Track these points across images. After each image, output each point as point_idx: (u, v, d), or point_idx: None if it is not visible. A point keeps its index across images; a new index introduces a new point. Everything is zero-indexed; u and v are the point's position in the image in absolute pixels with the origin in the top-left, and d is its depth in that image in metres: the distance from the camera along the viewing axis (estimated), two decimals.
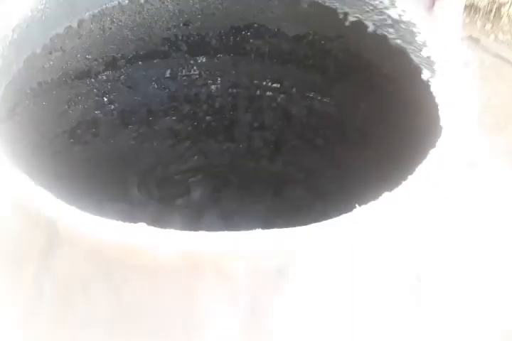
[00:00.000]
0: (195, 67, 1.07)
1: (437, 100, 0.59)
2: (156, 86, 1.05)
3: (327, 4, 0.75)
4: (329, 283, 0.41)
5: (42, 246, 0.39)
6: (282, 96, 1.06)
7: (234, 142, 1.12)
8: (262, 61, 1.01)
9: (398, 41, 0.68)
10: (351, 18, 0.74)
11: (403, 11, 0.66)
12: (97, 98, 0.97)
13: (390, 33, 0.69)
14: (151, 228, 0.37)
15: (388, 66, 0.75)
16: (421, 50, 0.64)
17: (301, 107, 1.03)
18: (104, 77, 0.97)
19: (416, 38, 0.64)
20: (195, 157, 1.15)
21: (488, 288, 0.50)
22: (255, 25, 0.94)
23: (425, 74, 0.63)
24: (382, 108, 0.78)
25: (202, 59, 1.05)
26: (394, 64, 0.72)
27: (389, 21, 0.68)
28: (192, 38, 0.97)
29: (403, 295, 0.46)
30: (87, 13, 0.66)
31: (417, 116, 0.63)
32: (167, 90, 1.06)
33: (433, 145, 0.48)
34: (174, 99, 1.07)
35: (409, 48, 0.66)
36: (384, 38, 0.71)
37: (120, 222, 0.37)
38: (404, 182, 0.43)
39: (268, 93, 1.08)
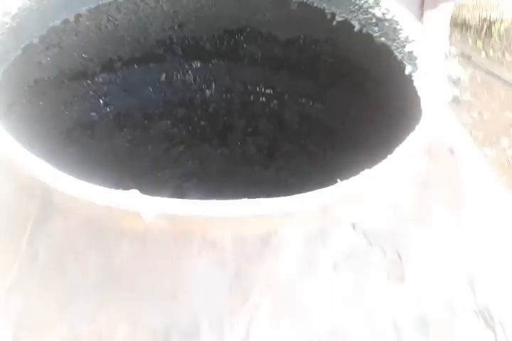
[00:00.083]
0: (190, 72, 1.10)
1: (419, 93, 0.61)
2: (151, 90, 1.07)
3: (315, 5, 0.78)
4: (309, 253, 0.43)
5: (36, 213, 0.40)
6: (275, 101, 1.09)
7: (228, 147, 1.14)
8: (255, 66, 1.04)
9: (382, 39, 0.71)
10: (338, 18, 0.76)
11: (386, 9, 0.68)
12: (93, 100, 0.99)
13: (375, 32, 0.72)
14: (142, 195, 0.39)
15: (374, 64, 0.77)
16: (404, 47, 0.66)
17: (293, 112, 1.05)
18: (101, 79, 0.99)
19: (399, 35, 0.67)
20: (190, 161, 1.16)
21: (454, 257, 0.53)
22: (248, 28, 0.97)
23: (407, 69, 0.65)
24: (369, 104, 0.80)
25: (197, 64, 1.08)
26: (379, 62, 0.74)
27: (374, 20, 0.71)
28: (186, 42, 1.00)
29: (383, 272, 0.48)
30: (84, 8, 0.68)
31: (400, 107, 0.65)
32: (162, 94, 1.08)
33: (412, 130, 0.51)
34: (169, 103, 1.09)
35: (392, 45, 0.69)
36: (369, 37, 0.73)
37: (112, 189, 0.39)
38: (383, 161, 0.46)
39: (262, 99, 1.11)
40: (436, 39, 1.53)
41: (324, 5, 0.77)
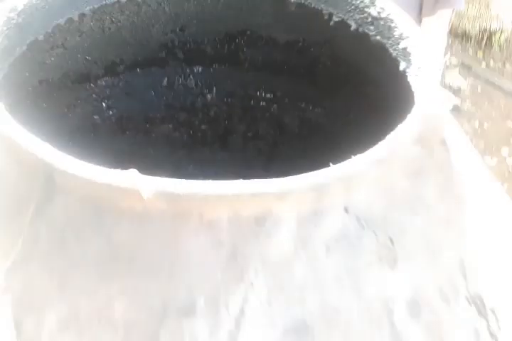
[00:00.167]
0: (191, 77, 1.12)
1: (413, 88, 0.63)
2: (153, 94, 1.09)
3: (313, 6, 0.80)
4: (302, 234, 0.44)
5: (39, 194, 0.42)
6: (275, 106, 1.11)
7: (228, 151, 1.16)
8: (255, 71, 1.06)
9: (378, 37, 0.73)
10: (335, 18, 0.78)
11: (382, 8, 0.70)
12: (95, 103, 1.01)
13: (371, 30, 0.74)
14: (141, 174, 0.40)
15: (371, 64, 0.79)
16: (398, 44, 0.68)
17: (293, 116, 1.07)
18: (104, 83, 1.01)
19: (393, 33, 0.69)
20: (191, 165, 1.18)
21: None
22: (248, 32, 0.99)
23: (402, 66, 0.67)
24: (368, 104, 0.81)
25: (198, 69, 1.10)
26: (376, 61, 0.76)
27: (369, 19, 0.73)
28: (188, 45, 1.02)
29: (375, 256, 0.49)
30: (88, 8, 0.70)
31: (396, 106, 0.67)
32: (164, 98, 1.10)
33: (404, 119, 0.52)
34: (171, 107, 1.11)
35: (387, 43, 0.71)
36: (365, 36, 0.75)
37: (113, 169, 0.40)
38: (374, 146, 0.47)
39: (262, 103, 1.13)
40: (435, 45, 1.55)
41: (322, 5, 0.79)
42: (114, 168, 1.07)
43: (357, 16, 0.75)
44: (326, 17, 0.80)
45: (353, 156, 0.46)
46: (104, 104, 1.04)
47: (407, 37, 0.66)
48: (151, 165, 1.12)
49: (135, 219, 0.42)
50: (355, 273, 0.47)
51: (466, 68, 3.54)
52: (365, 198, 0.49)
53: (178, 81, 1.11)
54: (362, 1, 0.73)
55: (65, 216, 0.42)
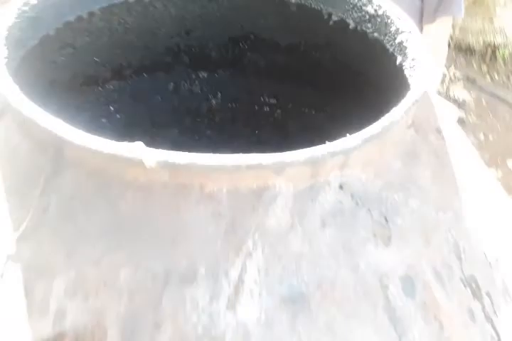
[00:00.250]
0: (197, 82, 1.15)
1: (409, 81, 0.65)
2: (160, 98, 1.12)
3: (313, 6, 0.83)
4: (298, 208, 0.46)
5: (48, 167, 0.44)
6: (279, 111, 1.14)
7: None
8: (259, 77, 1.09)
9: (375, 34, 0.75)
10: (334, 18, 0.81)
11: (378, 6, 0.73)
12: (104, 106, 1.04)
13: (368, 28, 0.77)
14: (147, 147, 0.43)
15: (369, 62, 0.81)
16: (395, 39, 0.71)
17: (296, 121, 1.10)
18: (111, 86, 1.04)
19: (390, 28, 0.71)
20: None
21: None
22: (251, 36, 1.02)
23: (398, 60, 0.69)
24: (368, 104, 0.84)
25: (203, 74, 1.13)
26: (374, 58, 0.78)
27: (367, 17, 0.76)
28: (193, 50, 1.05)
29: (370, 232, 0.51)
30: (97, 7, 0.74)
31: (394, 97, 0.69)
32: (170, 103, 1.13)
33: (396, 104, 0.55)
34: (177, 112, 1.14)
35: (385, 39, 0.74)
36: (363, 34, 0.78)
37: (119, 142, 0.43)
38: (369, 126, 0.50)
39: (265, 108, 1.16)
40: (437, 52, 1.58)
41: (321, 5, 0.82)
42: None
43: (355, 15, 0.78)
44: (325, 17, 0.83)
45: (348, 134, 0.48)
46: (111, 108, 1.06)
47: (403, 32, 0.69)
48: None
49: (139, 191, 0.44)
50: (350, 248, 0.49)
51: (470, 81, 3.57)
52: (360, 177, 0.51)
53: (184, 86, 1.14)
54: (360, 0, 0.76)
55: (73, 188, 0.44)
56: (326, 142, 0.48)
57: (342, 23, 0.81)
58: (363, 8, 0.76)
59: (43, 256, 0.44)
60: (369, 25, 0.76)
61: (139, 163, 0.41)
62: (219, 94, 1.17)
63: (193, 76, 1.13)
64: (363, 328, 0.48)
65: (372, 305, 0.49)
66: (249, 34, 1.01)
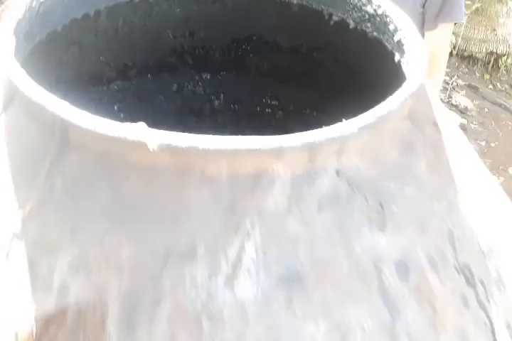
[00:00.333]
0: (200, 83, 1.17)
1: (406, 76, 0.67)
2: (163, 99, 1.14)
3: (314, 7, 0.85)
4: (295, 192, 0.48)
5: (54, 149, 0.46)
6: (280, 112, 1.16)
7: None
8: (261, 78, 1.11)
9: (375, 33, 0.77)
10: (335, 18, 0.83)
11: (377, 5, 0.75)
12: (108, 106, 1.06)
13: (368, 28, 0.79)
14: (149, 128, 0.44)
15: (369, 61, 0.83)
16: (393, 37, 0.73)
17: (297, 121, 1.11)
18: (116, 87, 1.06)
19: (389, 27, 0.73)
20: None
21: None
22: (254, 37, 1.04)
23: (397, 57, 0.71)
24: (365, 95, 0.85)
25: (206, 76, 1.15)
26: (374, 59, 0.80)
27: (366, 17, 0.78)
28: (197, 51, 1.07)
29: (365, 217, 0.52)
30: (103, 5, 0.76)
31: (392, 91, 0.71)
32: (173, 104, 1.15)
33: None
34: (180, 112, 1.16)
35: (384, 38, 0.75)
36: (363, 33, 0.80)
37: (123, 123, 0.45)
38: (364, 113, 0.51)
39: (267, 110, 1.18)
40: (438, 59, 1.60)
41: (322, 6, 0.84)
42: None
43: (355, 15, 0.80)
44: (326, 17, 0.85)
45: (344, 120, 0.50)
46: (115, 107, 1.08)
47: (401, 29, 0.71)
48: None
49: (142, 173, 0.46)
50: (346, 231, 0.50)
51: (473, 90, 3.59)
52: (356, 165, 0.53)
53: (187, 87, 1.16)
54: (360, 0, 0.78)
55: (78, 169, 0.46)
56: (323, 126, 0.49)
57: (342, 24, 0.83)
58: (363, 8, 0.78)
59: (48, 234, 0.45)
60: (369, 24, 0.78)
61: (142, 146, 0.43)
62: (222, 96, 1.19)
63: (197, 77, 1.15)
64: (357, 308, 0.49)
65: (366, 287, 0.50)
66: (251, 35, 1.03)
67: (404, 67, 0.68)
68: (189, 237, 0.45)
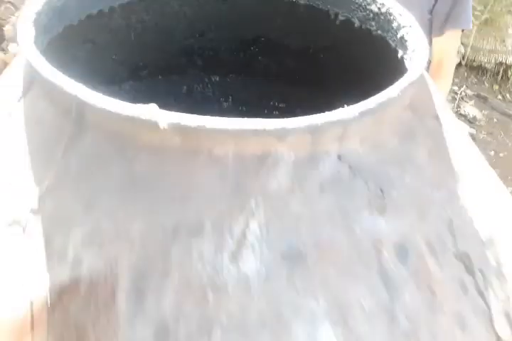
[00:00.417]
0: (209, 86, 1.20)
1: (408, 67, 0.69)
2: (173, 100, 1.17)
3: (320, 7, 0.88)
4: (298, 173, 0.50)
5: (71, 130, 0.49)
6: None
7: None
8: (269, 81, 1.13)
9: (379, 32, 0.80)
10: (341, 17, 0.86)
11: (382, 4, 0.78)
12: None
13: (372, 26, 0.81)
14: (160, 110, 0.47)
15: (374, 60, 0.85)
16: (396, 34, 0.75)
17: None
18: (128, 86, 1.09)
19: (392, 24, 0.76)
20: None
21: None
22: (262, 38, 1.07)
23: (400, 53, 0.74)
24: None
25: (216, 78, 1.18)
26: (378, 57, 0.82)
27: (371, 15, 0.80)
28: (206, 52, 1.10)
29: (365, 200, 0.54)
30: (117, 3, 0.79)
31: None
32: (183, 105, 1.18)
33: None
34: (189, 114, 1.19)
35: (387, 36, 0.78)
36: (368, 32, 0.82)
37: (135, 104, 0.47)
38: (365, 100, 0.54)
39: (275, 112, 1.21)
40: (445, 65, 1.62)
41: (328, 6, 0.87)
42: None
43: (360, 14, 0.83)
44: (332, 17, 0.88)
45: (345, 106, 0.52)
46: None
47: (404, 26, 0.73)
48: None
49: (153, 153, 0.48)
50: (347, 213, 0.52)
51: (482, 100, 3.60)
52: (357, 150, 0.55)
53: (197, 89, 1.19)
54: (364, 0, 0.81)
55: (93, 149, 0.49)
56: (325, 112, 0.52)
57: (347, 23, 0.85)
58: (368, 7, 0.80)
59: (63, 209, 0.48)
60: (373, 23, 0.80)
61: (153, 125, 0.46)
62: (230, 98, 1.22)
63: (206, 80, 1.18)
64: (357, 287, 0.51)
65: (365, 267, 0.52)
66: (259, 36, 1.06)
67: (407, 63, 0.71)
68: (197, 214, 0.47)
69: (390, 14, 0.76)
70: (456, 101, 3.44)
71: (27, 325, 0.45)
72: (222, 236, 0.47)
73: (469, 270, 0.61)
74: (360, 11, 0.82)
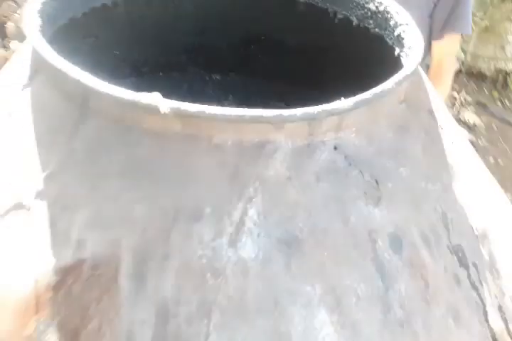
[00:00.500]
0: (209, 84, 1.21)
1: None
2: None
3: (320, 5, 0.90)
4: (296, 162, 0.52)
5: (75, 116, 0.50)
6: None
7: None
8: (268, 80, 1.15)
9: (376, 30, 0.81)
10: (339, 16, 0.88)
11: (379, 3, 0.79)
12: None
13: (370, 24, 0.83)
14: (162, 98, 0.48)
15: (372, 58, 0.87)
16: (393, 32, 0.77)
17: None
18: (129, 82, 1.10)
19: (389, 23, 0.77)
20: None
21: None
22: (262, 37, 1.08)
23: (397, 51, 0.75)
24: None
25: (216, 76, 1.19)
26: (376, 56, 0.84)
27: (369, 14, 0.82)
28: (207, 50, 1.11)
29: (361, 190, 0.56)
30: None
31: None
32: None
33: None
34: None
35: (385, 34, 0.79)
36: (366, 30, 0.84)
37: (138, 92, 0.49)
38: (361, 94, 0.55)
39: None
40: (444, 69, 1.64)
41: (327, 4, 0.88)
42: None
43: (358, 12, 0.84)
44: (331, 15, 0.89)
45: (342, 98, 0.53)
46: None
47: (401, 24, 0.75)
48: None
49: (155, 139, 0.49)
50: (342, 202, 0.54)
51: (481, 107, 3.62)
52: (353, 142, 0.56)
53: (197, 87, 1.20)
54: None
55: (97, 134, 0.50)
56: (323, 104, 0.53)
57: (346, 21, 0.87)
58: (366, 5, 0.82)
59: (68, 192, 0.49)
60: (371, 21, 0.82)
61: (155, 110, 0.47)
62: (230, 96, 1.23)
63: (207, 78, 1.20)
64: (351, 275, 0.52)
65: (360, 255, 0.53)
66: (260, 35, 1.07)
67: (404, 60, 0.72)
68: (197, 199, 0.49)
69: (388, 12, 0.78)
70: (456, 108, 3.45)
71: (31, 305, 0.46)
72: (221, 221, 0.49)
73: (463, 263, 0.62)
74: (359, 10, 0.84)
